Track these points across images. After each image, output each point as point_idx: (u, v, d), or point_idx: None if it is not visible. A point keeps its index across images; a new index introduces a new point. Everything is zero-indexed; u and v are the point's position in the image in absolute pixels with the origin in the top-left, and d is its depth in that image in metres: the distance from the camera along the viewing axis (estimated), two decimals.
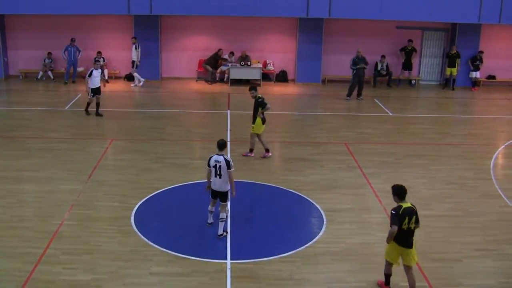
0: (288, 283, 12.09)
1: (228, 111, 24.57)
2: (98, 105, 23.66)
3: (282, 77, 30.63)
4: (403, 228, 11.12)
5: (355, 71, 27.20)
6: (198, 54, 30.60)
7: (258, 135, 19.20)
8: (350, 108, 26.39)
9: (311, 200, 15.93)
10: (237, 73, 29.67)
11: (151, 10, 27.76)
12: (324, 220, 14.78)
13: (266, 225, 14.50)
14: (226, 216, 14.02)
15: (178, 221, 14.56)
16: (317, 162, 18.96)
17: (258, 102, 18.82)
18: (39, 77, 30.64)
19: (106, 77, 30.08)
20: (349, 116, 25.18)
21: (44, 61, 30.56)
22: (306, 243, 13.59)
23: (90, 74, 23.26)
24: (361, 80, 27.38)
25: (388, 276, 11.74)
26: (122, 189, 16.58)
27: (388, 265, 11.67)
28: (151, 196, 16.02)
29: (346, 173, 18.07)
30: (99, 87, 23.53)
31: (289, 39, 30.52)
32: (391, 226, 11.16)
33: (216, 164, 13.43)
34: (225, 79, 30.15)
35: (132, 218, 14.74)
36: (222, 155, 13.51)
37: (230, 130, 21.90)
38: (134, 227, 14.26)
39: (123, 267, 12.52)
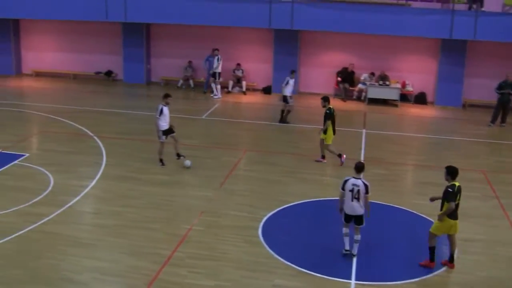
0: None
1: (364, 130, 24.28)
2: (177, 150, 19.57)
3: (420, 98, 29.91)
4: (456, 202, 12.83)
5: (500, 95, 26.13)
6: (335, 70, 30.47)
7: (327, 146, 19.76)
8: (491, 135, 25.28)
9: None
10: (375, 92, 29.28)
11: (292, 25, 27.98)
12: (456, 249, 14.23)
13: (394, 249, 14.17)
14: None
15: (305, 236, 14.52)
16: None
17: (325, 114, 19.68)
18: (179, 85, 31.58)
19: (244, 89, 30.60)
20: (490, 143, 24.14)
21: (186, 69, 31.47)
22: (434, 271, 13.15)
23: (161, 112, 18.82)
24: (506, 105, 26.24)
25: (433, 248, 13.19)
26: (252, 200, 16.73)
27: (433, 238, 13.18)
28: (280, 209, 16.06)
29: (481, 203, 17.32)
30: (171, 127, 19.25)
31: (430, 60, 29.78)
32: (448, 203, 12.71)
33: (353, 188, 13.12)
34: (362, 98, 29.84)
35: (260, 229, 14.84)
36: (360, 178, 13.26)
37: (364, 149, 21.61)
38: (261, 238, 14.34)
39: (246, 277, 12.61)
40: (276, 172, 18.96)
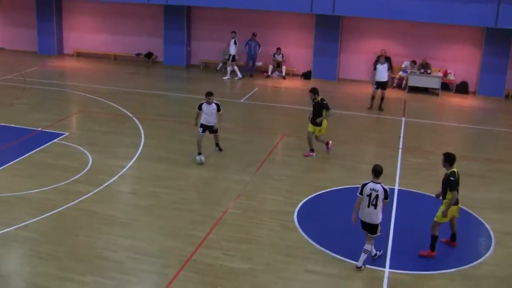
0: None
1: (403, 118, 24.03)
2: (216, 138, 18.85)
3: (462, 88, 29.43)
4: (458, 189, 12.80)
5: None
6: (375, 57, 30.14)
7: (316, 136, 19.06)
8: None
9: (480, 219, 15.20)
10: (415, 80, 28.92)
11: (333, 10, 27.73)
12: (493, 241, 14.04)
13: (429, 238, 13.99)
14: (373, 250, 12.88)
15: (340, 223, 14.41)
16: (490, 179, 18.06)
17: (323, 104, 18.61)
18: (218, 68, 31.62)
19: (284, 74, 30.51)
20: None
21: (224, 55, 31.50)
22: (470, 263, 13.02)
23: (200, 107, 18.07)
24: None
25: (436, 238, 13.04)
26: (288, 185, 16.71)
27: (437, 226, 13.01)
28: (316, 195, 16.01)
29: None
30: (213, 125, 18.16)
31: (473, 49, 29.24)
32: (451, 192, 12.67)
33: (371, 193, 12.22)
34: (402, 85, 29.50)
35: (295, 214, 14.83)
36: (380, 183, 12.35)
37: (402, 137, 21.40)
38: (296, 223, 14.33)
39: (280, 261, 12.62)
40: (313, 157, 18.89)
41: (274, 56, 30.77)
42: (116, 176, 16.87)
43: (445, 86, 29.43)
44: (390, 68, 27.53)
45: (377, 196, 12.21)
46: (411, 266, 12.71)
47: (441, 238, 13.37)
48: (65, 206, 14.81)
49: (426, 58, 28.98)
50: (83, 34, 34.29)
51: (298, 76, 31.08)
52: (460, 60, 29.49)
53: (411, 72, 28.95)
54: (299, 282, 11.97)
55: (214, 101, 17.88)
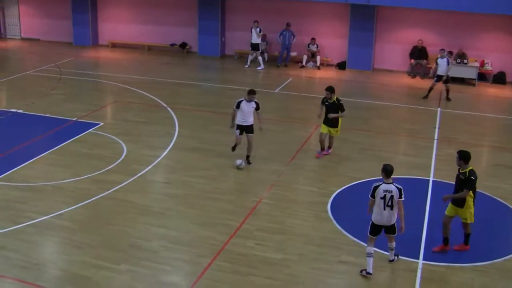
0: None
1: (439, 109, 23.75)
2: (248, 152, 17.56)
3: (499, 78, 28.99)
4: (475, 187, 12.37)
5: None
6: (411, 48, 29.76)
7: (330, 137, 18.19)
8: None
9: None
10: (452, 70, 28.48)
11: (369, 0, 27.52)
12: None
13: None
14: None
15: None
16: None
17: (340, 105, 17.66)
18: (252, 58, 31.58)
19: (318, 64, 30.38)
20: None
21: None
22: (505, 256, 12.82)
23: (238, 106, 16.90)
24: None
25: (469, 235, 12.80)
26: (322, 175, 16.67)
27: (468, 226, 12.64)
28: (350, 186, 15.92)
29: None
30: (250, 124, 17.14)
31: (510, 39, 28.81)
32: (468, 190, 12.19)
33: (385, 195, 11.68)
34: None
35: (329, 205, 14.77)
36: (392, 183, 11.83)
37: (438, 128, 21.16)
38: (330, 214, 14.28)
39: (314, 252, 12.59)
40: (347, 148, 18.79)
41: (308, 46, 30.64)
42: (150, 166, 16.96)
43: (482, 76, 29.04)
44: (424, 57, 27.27)
45: (391, 197, 11.71)
46: (445, 258, 12.56)
47: (435, 245, 13.01)
48: (99, 196, 14.93)
49: (463, 48, 28.59)
50: (118, 24, 34.51)
51: (333, 66, 30.92)
52: (497, 50, 29.04)
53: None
54: (332, 273, 11.92)
55: (255, 100, 17.07)
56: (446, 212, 12.77)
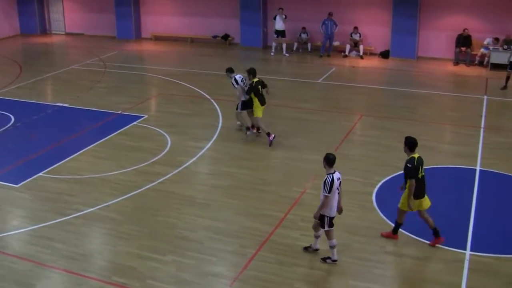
0: None
1: (485, 97, 23.34)
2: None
3: None
4: (418, 176, 11.78)
5: None
6: (456, 34, 29.28)
7: (256, 119, 18.32)
8: None
9: None
10: (498, 57, 27.98)
11: None
12: None
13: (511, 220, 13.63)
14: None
15: None
16: None
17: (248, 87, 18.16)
18: (294, 48, 31.51)
19: (361, 53, 30.12)
20: None
21: (300, 36, 31.33)
22: None
23: (236, 82, 18.65)
24: None
25: (400, 225, 12.49)
26: (366, 165, 16.54)
27: (402, 213, 12.29)
28: (395, 175, 15.76)
29: None
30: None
31: None
32: (410, 180, 11.74)
33: (337, 184, 11.46)
34: (484, 63, 28.65)
35: (374, 194, 14.67)
36: (335, 170, 11.53)
37: (484, 116, 20.81)
38: (375, 204, 14.18)
39: (358, 242, 12.53)
40: (392, 137, 18.61)
41: (351, 35, 30.42)
42: (195, 157, 17.05)
43: None
44: (469, 45, 26.72)
45: (340, 183, 11.54)
46: (493, 248, 12.35)
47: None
48: (145, 187, 15.07)
49: (510, 34, 28.00)
50: (160, 17, 34.73)
51: (376, 55, 30.61)
52: None
53: (493, 48, 28.06)
54: (377, 263, 11.84)
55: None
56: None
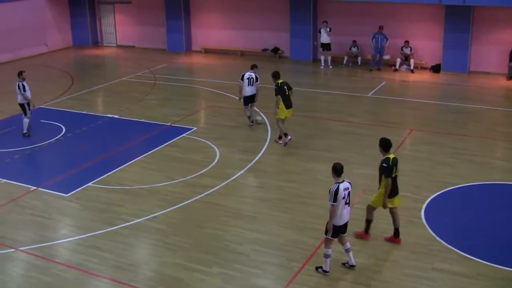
0: None
1: None
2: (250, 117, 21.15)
3: None
4: (392, 176, 12.40)
5: None
6: (510, 48, 28.78)
7: (278, 120, 19.13)
8: None
9: None
10: None
11: (464, 1, 26.85)
12: None
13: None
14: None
15: (469, 220, 13.96)
16: None
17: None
18: (344, 62, 31.38)
19: (412, 67, 29.83)
20: None
21: (350, 49, 31.22)
22: None
23: (242, 78, 20.89)
24: None
25: (370, 222, 13.01)
26: (416, 180, 16.32)
27: (372, 210, 12.91)
28: (444, 191, 15.54)
29: None
30: (254, 95, 20.78)
31: None
32: (386, 179, 12.34)
33: (345, 194, 11.57)
34: None
35: (423, 210, 14.47)
36: (344, 180, 11.73)
37: None
38: (424, 220, 13.98)
39: (406, 258, 12.36)
40: (442, 152, 18.35)
41: (402, 49, 30.14)
42: (243, 170, 17.08)
43: None
44: None
45: (349, 193, 11.73)
46: None
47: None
48: (192, 199, 15.15)
49: None
50: (211, 30, 34.99)
51: (427, 70, 30.25)
52: None
53: None
54: (426, 280, 11.65)
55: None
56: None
